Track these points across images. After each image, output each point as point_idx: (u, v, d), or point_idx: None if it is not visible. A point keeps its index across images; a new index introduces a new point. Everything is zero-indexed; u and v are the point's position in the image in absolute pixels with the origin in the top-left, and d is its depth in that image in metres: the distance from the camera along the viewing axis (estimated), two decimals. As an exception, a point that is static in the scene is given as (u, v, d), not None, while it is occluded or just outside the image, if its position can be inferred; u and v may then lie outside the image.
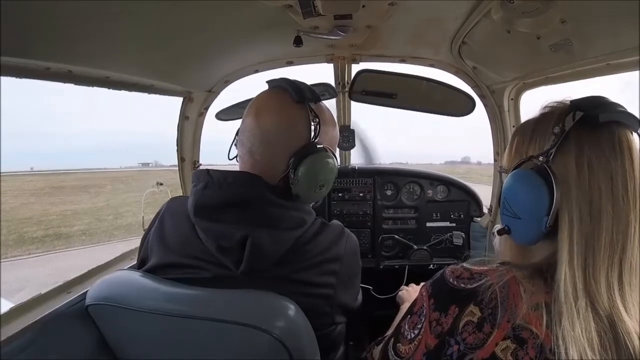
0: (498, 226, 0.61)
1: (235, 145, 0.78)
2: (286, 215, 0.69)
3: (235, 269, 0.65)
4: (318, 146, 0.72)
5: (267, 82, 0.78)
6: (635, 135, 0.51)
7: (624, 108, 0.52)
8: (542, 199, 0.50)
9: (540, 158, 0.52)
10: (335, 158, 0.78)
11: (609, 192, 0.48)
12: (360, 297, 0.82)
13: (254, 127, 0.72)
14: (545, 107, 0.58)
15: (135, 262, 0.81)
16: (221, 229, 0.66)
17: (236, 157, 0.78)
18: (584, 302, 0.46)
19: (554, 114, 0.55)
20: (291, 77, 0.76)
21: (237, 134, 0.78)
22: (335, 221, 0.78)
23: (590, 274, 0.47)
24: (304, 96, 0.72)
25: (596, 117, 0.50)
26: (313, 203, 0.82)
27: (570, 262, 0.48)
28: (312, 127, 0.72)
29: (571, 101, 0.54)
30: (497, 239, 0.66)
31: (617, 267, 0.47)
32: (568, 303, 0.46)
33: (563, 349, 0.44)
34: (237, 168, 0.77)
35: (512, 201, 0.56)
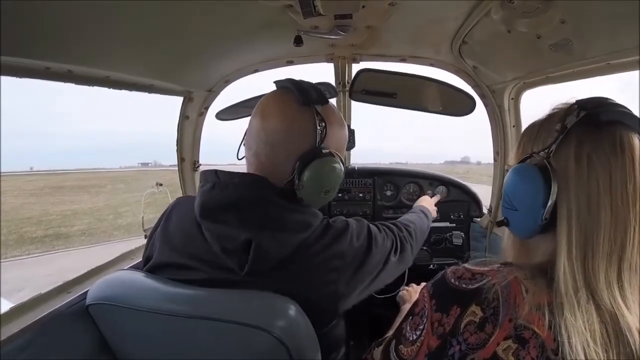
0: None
1: (244, 145, 0.77)
2: (291, 218, 0.68)
3: (240, 271, 0.64)
4: (324, 151, 0.70)
5: (275, 82, 0.77)
6: (637, 136, 0.51)
7: (629, 110, 0.53)
8: (539, 192, 0.52)
9: (541, 153, 0.54)
10: (342, 161, 0.75)
11: (607, 188, 0.49)
12: None
13: (260, 130, 0.71)
14: (553, 108, 0.60)
15: (136, 261, 0.81)
16: (225, 230, 0.65)
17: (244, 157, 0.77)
18: (585, 295, 0.46)
19: (558, 114, 0.57)
20: (292, 77, 0.74)
21: (245, 134, 0.77)
22: (339, 218, 0.76)
23: (589, 268, 0.48)
24: (310, 98, 0.70)
25: (598, 116, 0.51)
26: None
27: (569, 254, 0.48)
28: (318, 131, 0.69)
29: (576, 101, 0.55)
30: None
31: (616, 265, 0.48)
32: (568, 295, 0.46)
33: (566, 339, 0.44)
34: (244, 169, 0.76)
35: (510, 194, 0.58)
